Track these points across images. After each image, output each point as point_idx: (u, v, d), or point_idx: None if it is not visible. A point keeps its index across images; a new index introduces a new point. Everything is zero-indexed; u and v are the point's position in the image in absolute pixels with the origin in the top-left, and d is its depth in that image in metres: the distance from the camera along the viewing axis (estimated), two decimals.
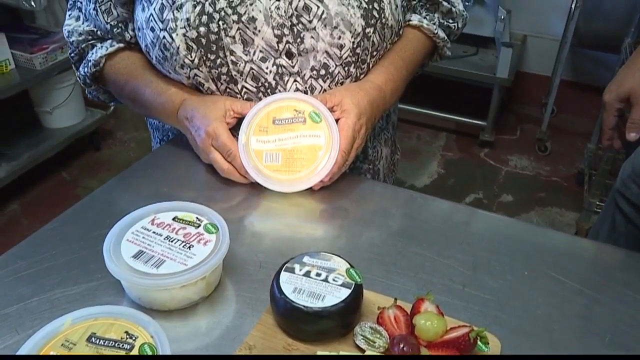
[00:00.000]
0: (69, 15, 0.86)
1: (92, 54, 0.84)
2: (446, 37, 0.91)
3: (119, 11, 0.80)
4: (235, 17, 0.73)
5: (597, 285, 0.65)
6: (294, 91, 0.78)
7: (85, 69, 0.85)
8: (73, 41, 0.85)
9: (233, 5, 0.73)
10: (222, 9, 0.73)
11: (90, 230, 0.68)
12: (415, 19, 0.88)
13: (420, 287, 0.63)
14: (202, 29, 0.73)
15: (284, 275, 0.55)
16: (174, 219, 0.62)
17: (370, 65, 0.82)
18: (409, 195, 0.79)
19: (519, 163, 2.64)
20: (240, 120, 0.75)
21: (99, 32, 0.84)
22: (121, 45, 0.83)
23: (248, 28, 0.74)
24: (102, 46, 0.84)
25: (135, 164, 0.83)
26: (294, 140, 0.74)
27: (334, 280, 0.54)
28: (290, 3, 0.74)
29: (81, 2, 0.84)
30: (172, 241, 0.59)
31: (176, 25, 0.73)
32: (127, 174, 0.81)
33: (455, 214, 0.77)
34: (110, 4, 0.80)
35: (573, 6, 2.32)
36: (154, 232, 0.60)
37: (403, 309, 0.56)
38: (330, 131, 0.74)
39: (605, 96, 1.05)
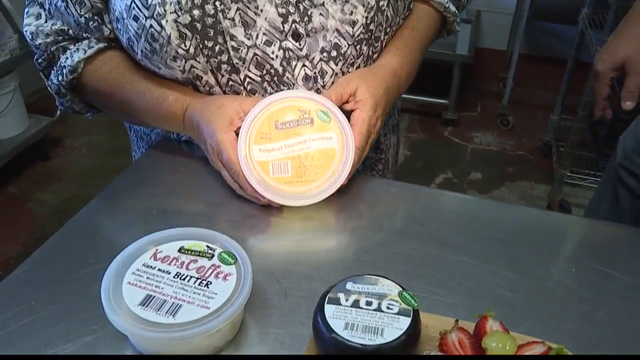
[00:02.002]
0: (28, 13, 0.72)
1: (67, 58, 0.71)
2: (456, 11, 0.83)
3: (92, 2, 0.67)
4: None
5: None
6: (303, 77, 0.68)
7: (60, 77, 0.72)
8: (40, 44, 0.71)
9: None
10: None
11: (73, 270, 0.57)
12: None
13: (468, 300, 0.55)
14: (196, 12, 0.62)
15: (329, 309, 0.46)
16: (180, 250, 0.52)
17: (384, 43, 0.74)
18: (428, 193, 0.72)
19: (483, 139, 2.63)
20: None
21: (70, 31, 0.70)
22: (101, 45, 0.70)
23: (249, 8, 0.64)
24: (77, 48, 0.71)
25: (115, 182, 0.71)
26: (302, 145, 0.64)
27: (388, 308, 0.46)
28: None
29: None
30: (184, 279, 0.49)
31: (165, 10, 0.62)
32: (108, 194, 0.69)
33: (481, 210, 0.70)
34: None
35: None
36: (159, 270, 0.50)
37: (466, 330, 0.48)
38: (343, 131, 0.65)
39: (597, 65, 1.00)
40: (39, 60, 0.74)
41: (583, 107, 1.90)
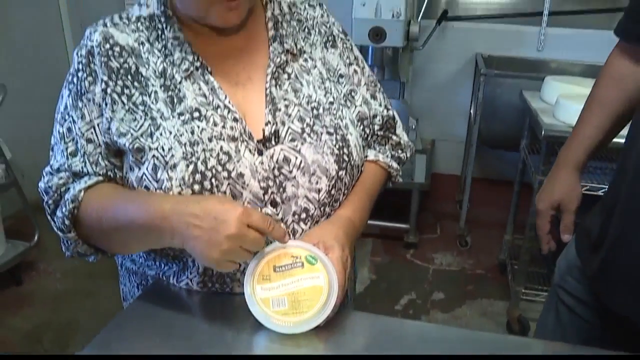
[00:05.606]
0: (62, 151, 0.81)
1: (68, 189, 0.80)
2: (398, 167, 1.01)
3: (111, 161, 0.81)
4: (225, 174, 0.78)
5: None
6: None
7: (63, 209, 0.79)
8: (51, 186, 0.80)
9: (222, 162, 0.78)
10: (214, 166, 0.77)
11: None
12: (371, 154, 0.97)
13: None
14: (196, 187, 0.76)
15: None
16: None
17: (340, 202, 0.89)
18: (387, 322, 0.84)
19: (444, 260, 2.76)
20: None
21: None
22: (100, 178, 0.80)
23: (237, 183, 0.79)
24: (80, 181, 0.80)
25: (108, 325, 0.78)
26: (296, 283, 0.77)
27: None
28: (272, 157, 0.81)
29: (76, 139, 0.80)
30: None
31: (172, 185, 0.76)
32: (102, 340, 0.76)
33: (456, 341, 0.80)
34: (99, 157, 0.80)
35: (472, 112, 2.59)
36: None
37: None
38: (327, 270, 0.78)
39: (539, 205, 1.17)
40: (49, 202, 0.81)
41: (530, 227, 2.07)
